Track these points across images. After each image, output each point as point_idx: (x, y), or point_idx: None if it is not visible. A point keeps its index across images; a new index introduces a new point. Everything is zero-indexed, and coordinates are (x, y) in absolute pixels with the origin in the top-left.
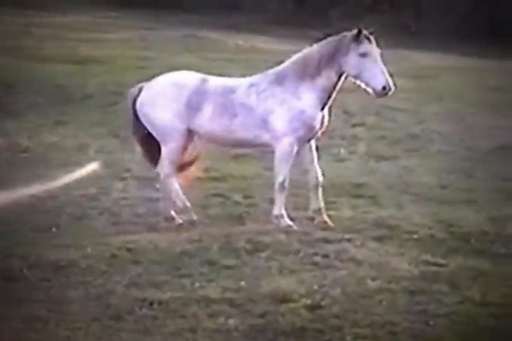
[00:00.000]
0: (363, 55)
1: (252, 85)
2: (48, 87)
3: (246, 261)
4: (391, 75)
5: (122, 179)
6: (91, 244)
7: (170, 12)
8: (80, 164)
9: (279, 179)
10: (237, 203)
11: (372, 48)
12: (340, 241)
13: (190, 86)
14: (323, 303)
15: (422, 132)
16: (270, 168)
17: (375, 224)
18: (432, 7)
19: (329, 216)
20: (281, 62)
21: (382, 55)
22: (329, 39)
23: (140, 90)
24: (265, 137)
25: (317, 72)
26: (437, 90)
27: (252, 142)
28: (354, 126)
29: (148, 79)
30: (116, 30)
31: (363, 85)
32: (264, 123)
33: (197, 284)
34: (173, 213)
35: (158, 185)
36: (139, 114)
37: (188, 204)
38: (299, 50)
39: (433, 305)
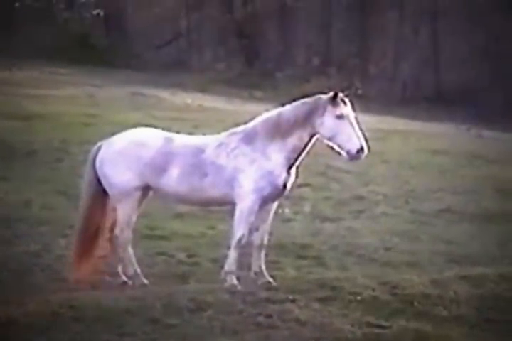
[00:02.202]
0: (340, 117)
1: (221, 144)
2: None
3: (189, 320)
4: (365, 138)
5: (65, 236)
6: (33, 301)
7: (117, 70)
8: (24, 220)
9: (237, 236)
10: (180, 262)
11: (348, 111)
12: (283, 301)
13: (153, 146)
14: None
15: (368, 194)
16: (214, 227)
17: (318, 284)
18: (379, 71)
19: (273, 276)
20: (226, 121)
21: (356, 118)
22: (304, 100)
23: (99, 149)
24: (232, 194)
25: (289, 132)
26: (383, 152)
27: (220, 200)
28: (299, 186)
29: (94, 136)
30: (62, 87)
31: (335, 147)
32: (232, 180)
33: None
34: (119, 269)
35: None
36: (99, 174)
37: (139, 270)
38: (246, 110)
39: None
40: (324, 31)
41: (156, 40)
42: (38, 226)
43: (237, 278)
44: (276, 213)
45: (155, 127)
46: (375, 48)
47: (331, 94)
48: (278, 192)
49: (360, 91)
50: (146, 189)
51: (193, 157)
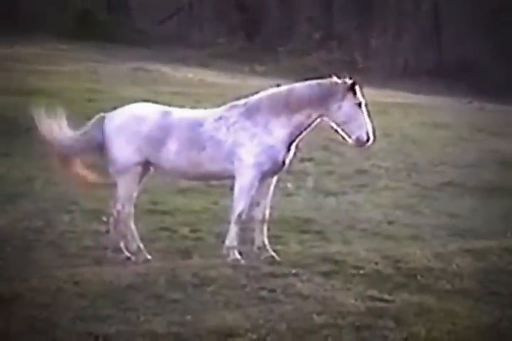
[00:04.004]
0: (359, 105)
1: (220, 118)
2: None
3: (192, 295)
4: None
5: (69, 212)
6: (36, 277)
7: (119, 45)
8: (26, 196)
9: (237, 211)
10: (184, 237)
11: (362, 99)
12: (286, 275)
13: (151, 120)
14: (268, 338)
15: (370, 167)
16: (217, 202)
17: (321, 259)
18: (380, 45)
19: (276, 250)
20: (227, 95)
21: (366, 105)
22: (319, 81)
23: (100, 120)
24: (231, 169)
25: (298, 109)
26: (384, 126)
27: (218, 175)
28: (302, 160)
29: (97, 112)
30: (65, 63)
31: (342, 132)
32: (232, 155)
33: (142, 318)
34: (122, 245)
35: (105, 218)
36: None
37: (142, 245)
38: (248, 85)
39: (378, 340)
40: (325, 5)
41: (157, 15)
42: (41, 202)
43: (240, 253)
44: (278, 188)
45: (157, 102)
46: (376, 22)
47: (349, 80)
48: (277, 168)
49: (360, 65)
50: (146, 164)
51: (191, 131)
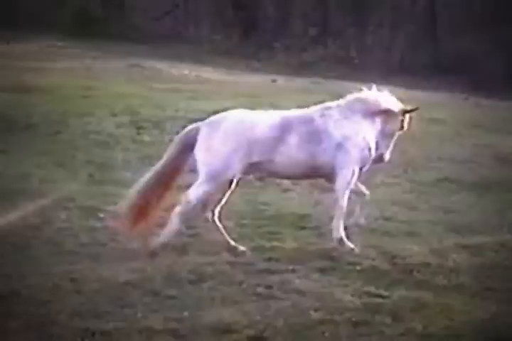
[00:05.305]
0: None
1: (323, 115)
2: None
3: (189, 291)
4: None
5: (66, 209)
6: (33, 274)
7: (114, 42)
8: (23, 193)
9: (344, 204)
10: (180, 233)
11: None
12: (283, 272)
13: (259, 122)
14: (265, 334)
15: None
16: None
17: (318, 255)
18: (376, 40)
19: (273, 247)
20: (224, 92)
21: None
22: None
23: (197, 131)
24: (332, 163)
25: (375, 116)
26: None
27: (330, 168)
28: None
29: (93, 108)
30: (60, 60)
31: None
32: (339, 147)
33: (139, 314)
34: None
35: (101, 215)
36: (197, 152)
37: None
38: (244, 81)
39: (375, 336)
40: (321, 1)
41: (153, 12)
42: (38, 199)
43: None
44: (274, 184)
45: (153, 99)
46: (372, 17)
47: (408, 108)
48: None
49: (356, 61)
50: (249, 170)
51: (308, 124)
